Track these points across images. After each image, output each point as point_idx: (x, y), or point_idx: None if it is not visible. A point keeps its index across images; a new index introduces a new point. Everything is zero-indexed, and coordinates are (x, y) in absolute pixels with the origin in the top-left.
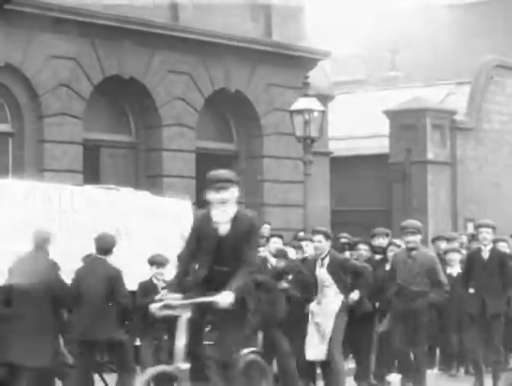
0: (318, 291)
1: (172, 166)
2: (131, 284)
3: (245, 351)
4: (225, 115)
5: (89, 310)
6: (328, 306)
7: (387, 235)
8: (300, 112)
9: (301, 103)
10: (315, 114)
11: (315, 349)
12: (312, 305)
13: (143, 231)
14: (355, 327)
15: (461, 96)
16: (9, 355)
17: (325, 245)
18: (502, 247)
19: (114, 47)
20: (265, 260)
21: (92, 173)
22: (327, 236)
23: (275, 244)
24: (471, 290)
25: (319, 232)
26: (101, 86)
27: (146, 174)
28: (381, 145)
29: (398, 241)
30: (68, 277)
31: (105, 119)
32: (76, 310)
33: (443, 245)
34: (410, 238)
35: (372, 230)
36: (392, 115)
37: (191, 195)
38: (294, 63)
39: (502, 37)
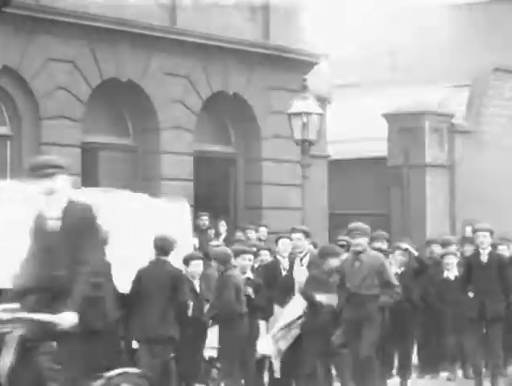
0: (295, 291)
1: (170, 168)
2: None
3: (109, 374)
4: (223, 118)
5: (152, 310)
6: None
7: (387, 239)
8: (298, 114)
9: (299, 106)
10: (314, 117)
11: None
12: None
13: (141, 233)
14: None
15: (460, 100)
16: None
17: (304, 244)
18: (503, 250)
19: (112, 50)
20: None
21: (90, 176)
22: (306, 235)
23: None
24: (470, 294)
25: (298, 230)
26: (99, 89)
27: (144, 177)
28: (380, 149)
29: (403, 245)
30: None
31: (104, 122)
32: (138, 310)
33: (437, 249)
34: (358, 240)
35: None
36: (390, 118)
37: (189, 197)
38: (292, 65)
39: (501, 40)
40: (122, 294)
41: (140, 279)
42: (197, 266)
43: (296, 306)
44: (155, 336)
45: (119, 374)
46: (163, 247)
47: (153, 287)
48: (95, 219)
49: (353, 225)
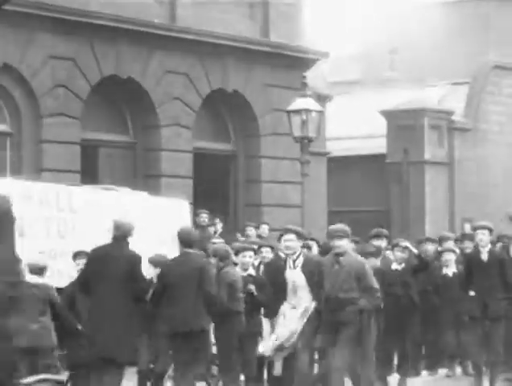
0: (289, 294)
1: (170, 166)
2: None
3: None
4: (223, 115)
5: (181, 302)
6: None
7: (386, 236)
8: (298, 112)
9: (299, 103)
10: (313, 114)
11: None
12: (285, 308)
13: (141, 231)
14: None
15: (459, 97)
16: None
17: (297, 245)
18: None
19: (112, 48)
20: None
21: (90, 173)
22: (299, 236)
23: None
24: (471, 293)
25: (290, 231)
26: (98, 86)
27: (143, 174)
28: (379, 146)
29: (403, 243)
30: (65, 276)
31: (103, 119)
32: (166, 303)
33: (430, 247)
34: (338, 243)
35: (370, 231)
36: (389, 115)
37: (188, 195)
38: (291, 63)
39: (500, 37)
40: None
41: (167, 273)
42: (249, 257)
43: (293, 319)
44: (187, 329)
45: (38, 380)
46: (188, 240)
47: (181, 280)
48: (9, 210)
49: (333, 227)
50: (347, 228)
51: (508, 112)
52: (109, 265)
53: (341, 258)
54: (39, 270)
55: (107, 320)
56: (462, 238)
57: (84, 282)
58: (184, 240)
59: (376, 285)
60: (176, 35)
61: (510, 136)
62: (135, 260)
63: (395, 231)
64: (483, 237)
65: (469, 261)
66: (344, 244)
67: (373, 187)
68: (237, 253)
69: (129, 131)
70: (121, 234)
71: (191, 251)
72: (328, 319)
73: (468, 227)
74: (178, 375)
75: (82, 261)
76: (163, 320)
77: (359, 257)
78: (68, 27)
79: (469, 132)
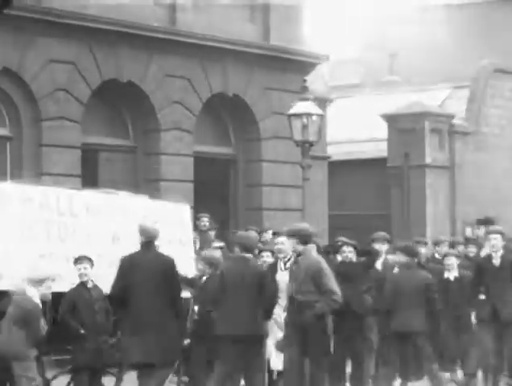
0: (280, 296)
1: (170, 170)
2: None
3: None
4: (223, 119)
5: (239, 307)
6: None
7: (388, 240)
8: (298, 116)
9: (299, 107)
10: (314, 118)
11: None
12: (276, 315)
13: None
14: (350, 330)
15: (460, 100)
16: None
17: (289, 247)
18: None
19: (112, 51)
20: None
21: (90, 177)
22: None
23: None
24: (481, 296)
25: (282, 234)
26: (99, 90)
27: (144, 178)
28: (380, 149)
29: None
30: (66, 281)
31: (103, 123)
32: (224, 307)
33: (423, 250)
34: (279, 239)
35: (371, 235)
36: (390, 119)
37: (189, 198)
38: (292, 66)
39: (501, 41)
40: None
41: (223, 276)
42: (267, 257)
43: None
44: (246, 334)
45: None
46: (246, 244)
47: (239, 284)
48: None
49: (286, 227)
50: (308, 229)
51: (509, 116)
52: (143, 271)
53: (300, 258)
54: (36, 283)
55: (145, 324)
56: (466, 242)
57: (118, 291)
58: (244, 244)
59: (335, 287)
60: (177, 39)
61: (511, 139)
62: (169, 263)
63: (396, 234)
64: (495, 242)
65: (480, 266)
66: (294, 244)
67: (373, 191)
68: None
69: (129, 135)
70: (148, 239)
71: (249, 256)
72: (290, 320)
73: (469, 231)
74: (235, 380)
75: (83, 266)
76: (220, 322)
77: (317, 259)
78: (68, 31)
79: (470, 135)
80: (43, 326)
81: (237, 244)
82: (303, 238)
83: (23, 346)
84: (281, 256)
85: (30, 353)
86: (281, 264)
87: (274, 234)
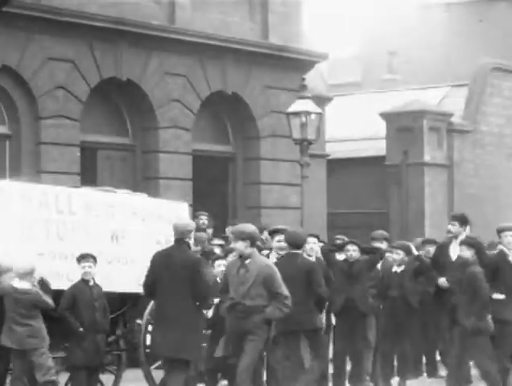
0: None
1: (169, 168)
2: (129, 286)
3: None
4: (222, 117)
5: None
6: None
7: (386, 239)
8: (297, 114)
9: (298, 105)
10: (312, 116)
11: None
12: None
13: (140, 233)
14: (352, 328)
15: (458, 99)
16: None
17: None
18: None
19: (111, 49)
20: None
21: (89, 175)
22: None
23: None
24: (499, 295)
25: (279, 232)
26: (97, 88)
27: (142, 176)
28: (378, 148)
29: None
30: (64, 279)
31: (102, 121)
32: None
33: (432, 249)
34: (234, 245)
35: (370, 233)
36: (389, 117)
37: (187, 196)
38: (291, 65)
39: (500, 39)
40: None
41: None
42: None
43: None
44: (299, 328)
45: None
46: (295, 241)
47: (289, 280)
48: None
49: (234, 228)
50: (249, 230)
51: (507, 115)
52: (169, 267)
53: (248, 262)
54: (23, 275)
55: (172, 321)
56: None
57: (149, 285)
58: (292, 241)
59: (286, 291)
60: (175, 37)
61: (510, 138)
62: (196, 262)
63: (395, 233)
64: (511, 239)
65: (495, 264)
66: (241, 247)
67: (372, 189)
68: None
69: (128, 133)
70: (179, 236)
71: (298, 252)
72: (233, 327)
73: (467, 229)
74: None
75: (88, 264)
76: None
77: (267, 263)
78: (67, 29)
79: (469, 134)
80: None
81: (285, 241)
82: (254, 240)
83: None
84: (282, 253)
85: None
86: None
87: (273, 233)
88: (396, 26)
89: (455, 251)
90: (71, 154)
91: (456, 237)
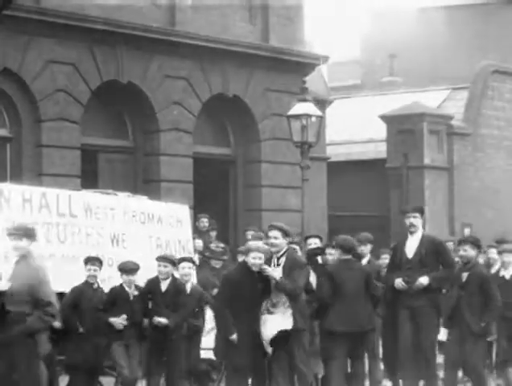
0: (272, 291)
1: (170, 170)
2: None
3: None
4: (223, 120)
5: (353, 305)
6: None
7: (370, 241)
8: (298, 117)
9: (299, 108)
10: (313, 119)
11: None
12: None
13: (141, 236)
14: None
15: (459, 102)
16: None
17: (282, 243)
18: (491, 253)
19: (112, 53)
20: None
21: (90, 178)
22: (284, 233)
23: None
24: None
25: (275, 227)
26: (98, 91)
27: (143, 179)
28: (379, 150)
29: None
30: (64, 281)
31: (103, 124)
32: (337, 304)
33: None
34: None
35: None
36: (389, 120)
37: (188, 199)
38: (291, 68)
39: (500, 42)
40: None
41: (332, 277)
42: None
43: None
44: (363, 329)
45: None
46: (345, 246)
47: (348, 284)
48: None
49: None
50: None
51: (507, 117)
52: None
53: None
54: None
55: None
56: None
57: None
58: (343, 246)
59: (52, 298)
60: (176, 40)
61: (510, 141)
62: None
63: (395, 235)
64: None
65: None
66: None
67: (372, 192)
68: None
69: (129, 136)
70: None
71: (350, 257)
72: None
73: (467, 232)
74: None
75: (94, 267)
76: (335, 319)
77: (36, 265)
78: (67, 32)
79: (469, 137)
80: None
81: (337, 246)
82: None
83: None
84: (274, 250)
85: None
86: (274, 260)
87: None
88: (396, 29)
89: (411, 248)
90: (72, 157)
91: (416, 231)
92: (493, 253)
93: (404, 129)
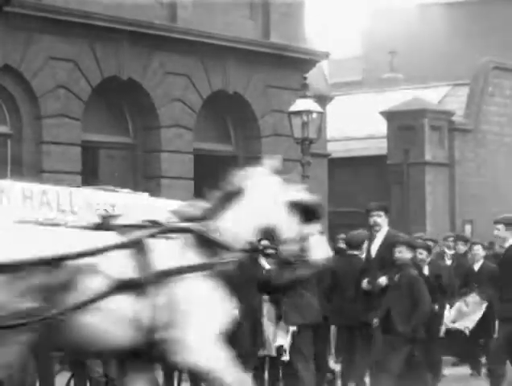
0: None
1: (170, 167)
2: None
3: None
4: (224, 116)
5: (344, 297)
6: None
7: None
8: (299, 113)
9: (299, 104)
10: (314, 116)
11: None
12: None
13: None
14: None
15: (460, 98)
16: None
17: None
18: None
19: (113, 49)
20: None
21: (90, 174)
22: None
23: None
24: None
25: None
26: (99, 87)
27: (144, 176)
28: (380, 147)
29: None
30: None
31: (104, 120)
32: (336, 297)
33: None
34: None
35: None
36: (390, 116)
37: (189, 196)
38: (292, 64)
39: (501, 38)
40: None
41: (335, 271)
42: None
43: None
44: (356, 323)
45: None
46: (352, 241)
47: (349, 278)
48: None
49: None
50: None
51: (508, 114)
52: None
53: None
54: None
55: None
56: (456, 239)
57: None
58: (352, 242)
59: None
60: (177, 36)
61: (511, 137)
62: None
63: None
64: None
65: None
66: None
67: (373, 188)
68: None
69: (129, 132)
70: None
71: (355, 252)
72: None
73: (468, 229)
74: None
75: None
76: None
77: None
78: (68, 28)
79: (470, 133)
80: None
81: (346, 243)
82: None
83: None
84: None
85: None
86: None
87: None
88: (397, 26)
89: (375, 247)
90: (72, 154)
91: (380, 230)
92: (477, 250)
93: (405, 125)
